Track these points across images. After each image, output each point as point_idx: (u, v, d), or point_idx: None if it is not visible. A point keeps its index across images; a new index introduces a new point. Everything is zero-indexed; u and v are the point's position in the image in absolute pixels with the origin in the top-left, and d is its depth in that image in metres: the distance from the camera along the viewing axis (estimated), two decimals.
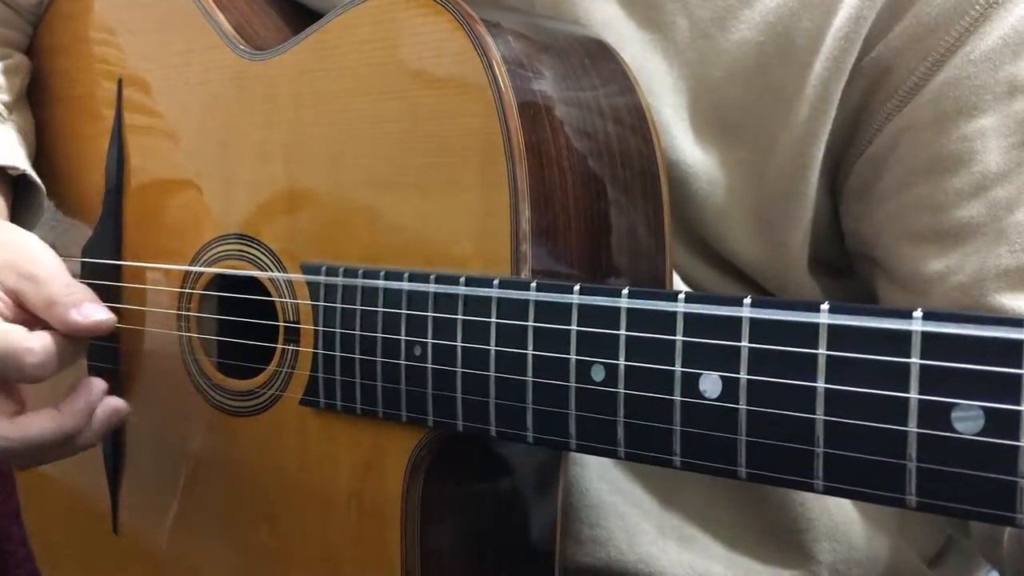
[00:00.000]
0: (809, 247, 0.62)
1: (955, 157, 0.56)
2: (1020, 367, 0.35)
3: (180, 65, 0.70)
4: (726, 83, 0.60)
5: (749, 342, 0.41)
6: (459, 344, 0.51)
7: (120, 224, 0.74)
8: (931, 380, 0.37)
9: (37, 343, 0.58)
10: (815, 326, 0.39)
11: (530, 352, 0.49)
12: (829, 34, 0.57)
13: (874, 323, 0.38)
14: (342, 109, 0.59)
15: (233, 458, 0.66)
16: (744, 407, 0.41)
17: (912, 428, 0.37)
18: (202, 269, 0.67)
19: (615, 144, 0.56)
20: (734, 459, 0.42)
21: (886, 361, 0.37)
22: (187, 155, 0.69)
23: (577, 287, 0.47)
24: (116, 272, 0.74)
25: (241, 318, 0.66)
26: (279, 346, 0.62)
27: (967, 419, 0.36)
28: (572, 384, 0.47)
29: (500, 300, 0.50)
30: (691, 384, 0.43)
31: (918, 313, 0.37)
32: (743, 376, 0.41)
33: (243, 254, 0.65)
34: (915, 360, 0.37)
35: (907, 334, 0.37)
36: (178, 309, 0.69)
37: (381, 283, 0.55)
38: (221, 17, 0.67)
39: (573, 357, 0.47)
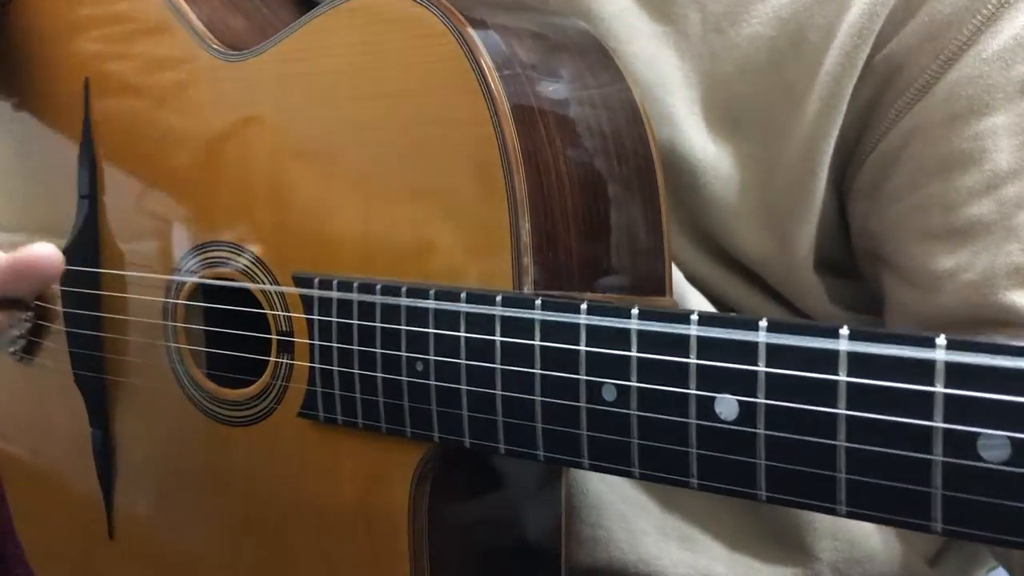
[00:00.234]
0: (815, 245, 0.61)
1: (966, 155, 0.55)
2: None
3: (150, 65, 0.67)
4: (737, 78, 0.60)
5: (766, 367, 0.41)
6: (463, 362, 0.50)
7: (96, 231, 0.72)
8: (956, 409, 0.36)
9: None
10: (835, 353, 0.39)
11: (537, 372, 0.48)
12: (841, 30, 0.57)
13: (896, 351, 0.37)
14: (328, 115, 0.57)
15: (230, 466, 0.65)
16: (763, 431, 0.41)
17: (937, 457, 0.37)
18: (187, 279, 0.66)
19: (611, 143, 0.55)
20: (753, 482, 0.42)
21: (910, 390, 0.37)
22: (162, 159, 0.67)
23: (584, 305, 0.46)
24: (96, 280, 0.72)
25: (230, 327, 0.65)
26: (272, 359, 0.61)
27: (993, 448, 0.36)
28: (583, 404, 0.46)
29: (504, 318, 0.49)
30: (706, 407, 0.43)
31: (941, 341, 0.37)
32: (761, 400, 0.41)
33: (228, 262, 0.63)
34: (939, 389, 0.37)
35: (931, 363, 0.37)
36: (164, 318, 0.68)
37: (378, 298, 0.54)
38: (191, 14, 0.65)
39: (583, 378, 0.46)
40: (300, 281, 0.58)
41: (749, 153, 0.60)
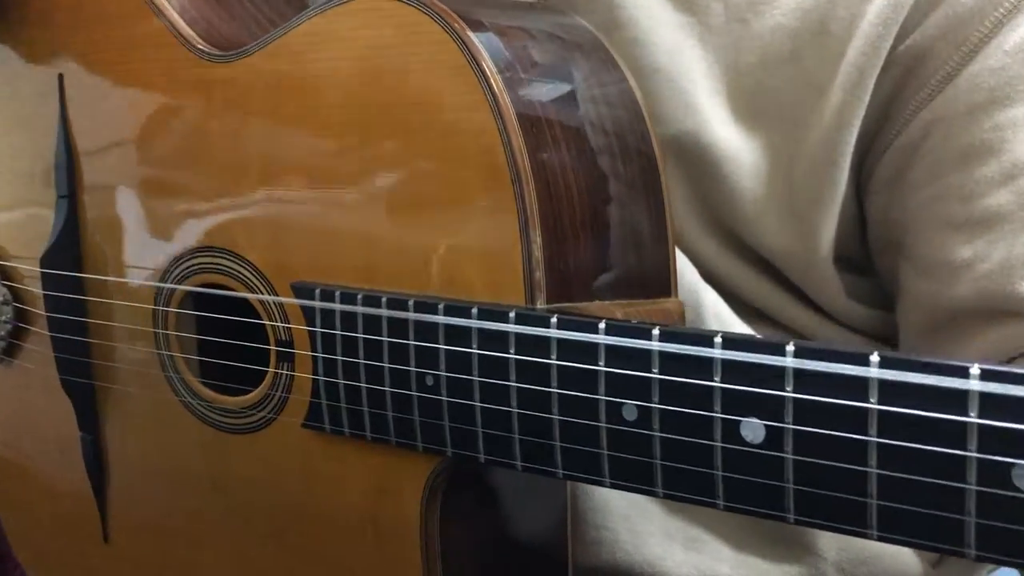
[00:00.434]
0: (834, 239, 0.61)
1: (986, 146, 0.56)
2: None
3: (130, 63, 0.65)
4: (760, 68, 0.59)
5: (795, 392, 0.40)
6: (476, 379, 0.50)
7: (78, 232, 0.70)
8: (990, 439, 0.36)
9: None
10: (865, 380, 0.39)
11: (554, 390, 0.47)
12: (864, 21, 0.57)
13: (929, 380, 0.37)
14: (322, 121, 0.55)
15: (228, 473, 0.65)
16: (791, 456, 0.41)
17: (971, 486, 0.37)
18: (178, 287, 0.64)
19: (616, 146, 0.54)
20: (782, 505, 0.42)
21: (943, 419, 0.37)
22: (146, 161, 0.65)
23: (603, 324, 0.46)
24: (80, 284, 0.70)
25: (224, 334, 0.63)
26: (271, 370, 0.59)
27: None
28: (603, 424, 0.46)
29: (518, 335, 0.48)
30: (732, 430, 0.42)
31: (975, 371, 0.36)
32: (789, 425, 0.41)
33: (222, 269, 0.62)
34: (974, 419, 0.37)
35: (964, 393, 0.37)
36: (154, 324, 0.66)
37: (384, 312, 0.53)
38: (174, 13, 0.62)
39: (602, 398, 0.46)
40: (300, 291, 0.57)
41: (772, 144, 0.60)
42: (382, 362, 0.53)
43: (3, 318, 0.76)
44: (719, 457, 0.43)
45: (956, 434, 0.37)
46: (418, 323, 0.51)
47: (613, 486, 0.47)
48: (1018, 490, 0.36)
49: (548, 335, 0.47)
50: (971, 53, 0.56)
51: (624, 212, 0.54)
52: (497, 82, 0.49)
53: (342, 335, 0.55)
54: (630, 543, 0.63)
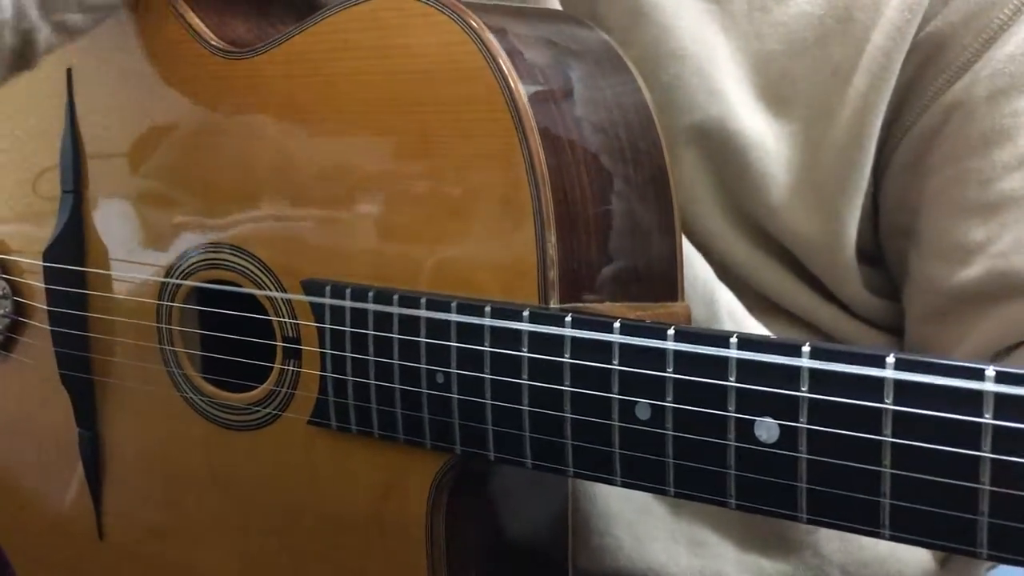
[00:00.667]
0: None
1: (1004, 132, 0.57)
2: None
3: (142, 61, 0.65)
4: (784, 55, 0.60)
5: (809, 392, 0.41)
6: (487, 376, 0.50)
7: (82, 227, 0.69)
8: (1005, 440, 0.37)
9: None
10: (880, 380, 0.39)
11: (567, 388, 0.48)
12: (889, 7, 0.58)
13: (944, 381, 0.38)
14: (340, 118, 0.56)
15: (229, 469, 0.64)
16: (804, 456, 0.41)
17: (985, 486, 0.37)
18: (184, 282, 0.64)
19: (627, 151, 0.55)
20: (794, 504, 0.42)
21: (958, 420, 0.38)
22: (156, 156, 0.65)
23: (617, 324, 0.46)
24: (82, 279, 0.70)
25: (228, 329, 0.63)
26: (277, 366, 0.60)
27: None
28: (615, 423, 0.46)
29: (531, 334, 0.48)
30: (746, 429, 0.43)
31: (991, 373, 0.37)
32: (803, 425, 0.41)
33: (229, 265, 0.62)
34: (988, 420, 0.37)
35: (979, 393, 0.37)
36: (157, 319, 0.66)
37: (395, 309, 0.53)
38: (187, 8, 0.62)
39: (615, 396, 0.46)
40: (310, 288, 0.57)
41: (797, 130, 0.61)
42: (392, 359, 0.53)
43: (1, 312, 0.76)
44: (732, 456, 0.43)
45: (971, 434, 0.37)
46: (430, 320, 0.52)
47: (624, 485, 0.47)
48: None
49: (563, 334, 0.47)
50: (991, 39, 0.57)
51: (634, 216, 0.55)
52: (516, 83, 0.50)
53: (352, 332, 0.55)
54: (634, 549, 0.63)
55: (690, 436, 0.44)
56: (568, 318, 0.47)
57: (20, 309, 0.75)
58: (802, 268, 0.64)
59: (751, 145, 0.61)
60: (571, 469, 0.48)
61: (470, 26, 0.50)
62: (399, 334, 0.53)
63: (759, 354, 0.42)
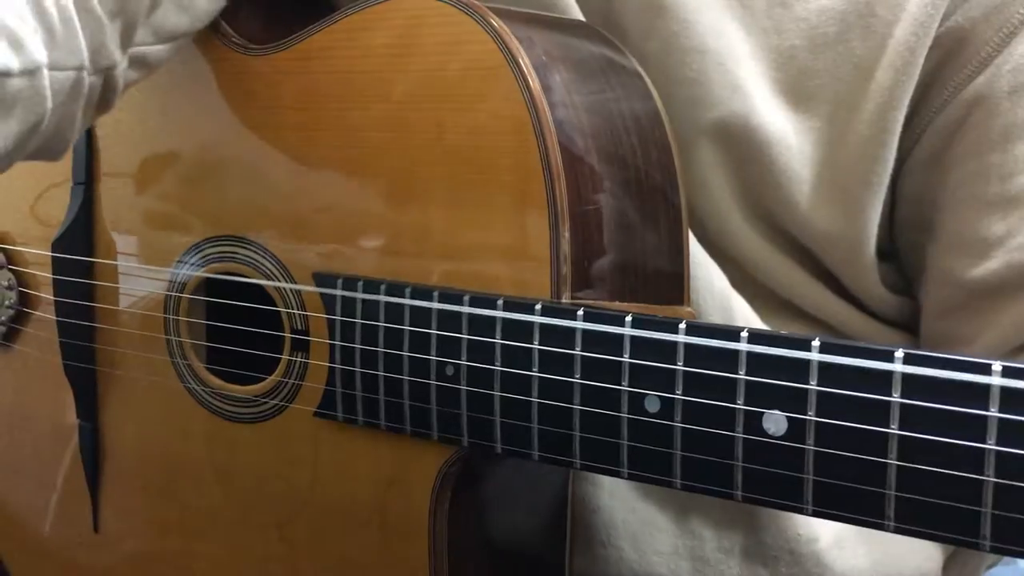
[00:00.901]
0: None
1: None
2: None
3: None
4: (806, 51, 0.61)
5: (818, 385, 0.42)
6: (497, 368, 0.51)
7: (92, 219, 0.70)
8: (1009, 433, 0.38)
9: None
10: (889, 374, 0.40)
11: (577, 381, 0.48)
12: (911, 1, 0.58)
13: (952, 375, 0.39)
14: (356, 115, 0.57)
15: (232, 462, 0.65)
16: (812, 448, 0.42)
17: (989, 478, 0.38)
18: (195, 273, 0.65)
19: (639, 155, 0.56)
20: (800, 496, 0.43)
21: (964, 412, 0.39)
22: (170, 149, 0.66)
23: (629, 318, 0.47)
24: (89, 270, 0.70)
25: (236, 321, 0.64)
26: (285, 357, 0.60)
27: None
28: (624, 415, 0.47)
29: (543, 326, 0.49)
30: (754, 422, 0.44)
31: (997, 367, 0.38)
32: (811, 417, 0.42)
33: (239, 257, 0.62)
34: (994, 413, 0.38)
35: (986, 387, 0.38)
36: (165, 311, 0.66)
37: (408, 301, 0.54)
38: None
39: (625, 388, 0.47)
40: (322, 280, 0.57)
41: (819, 127, 0.61)
42: (402, 351, 0.54)
43: (6, 303, 0.76)
44: (740, 449, 0.44)
45: (976, 428, 0.38)
46: (441, 313, 0.52)
47: (631, 477, 0.48)
48: None
49: (575, 326, 0.48)
50: (1012, 34, 0.58)
51: (644, 217, 0.56)
52: (534, 81, 0.51)
53: (362, 323, 0.55)
54: (636, 561, 0.63)
55: (698, 428, 0.45)
56: (580, 311, 0.48)
57: (25, 300, 0.75)
58: (819, 265, 0.65)
59: (773, 141, 0.61)
60: (578, 461, 0.49)
61: (491, 25, 0.52)
62: (410, 326, 0.54)
63: (769, 348, 0.43)
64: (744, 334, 0.44)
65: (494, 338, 0.51)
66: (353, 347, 0.56)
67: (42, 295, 0.74)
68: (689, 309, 0.58)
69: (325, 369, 0.58)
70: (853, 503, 0.42)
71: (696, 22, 0.61)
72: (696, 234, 0.62)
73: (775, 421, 0.43)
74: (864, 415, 0.41)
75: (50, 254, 0.71)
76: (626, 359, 0.47)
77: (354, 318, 0.56)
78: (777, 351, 0.43)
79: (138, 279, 0.68)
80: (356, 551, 0.59)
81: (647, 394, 0.46)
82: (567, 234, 0.50)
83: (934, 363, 0.40)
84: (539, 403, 0.50)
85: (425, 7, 0.54)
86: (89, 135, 0.70)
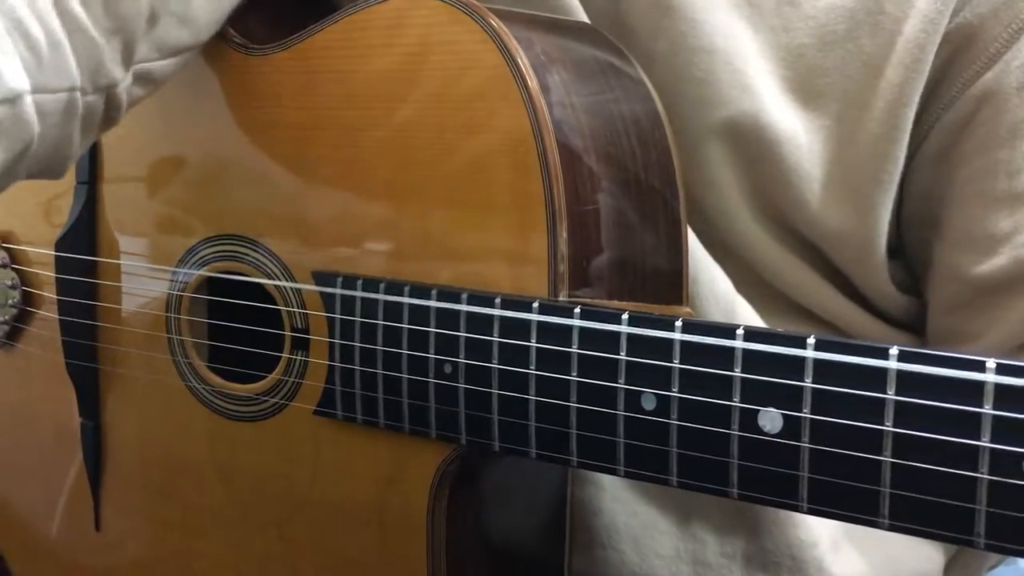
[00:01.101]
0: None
1: None
2: None
3: None
4: (814, 49, 0.61)
5: (813, 382, 0.42)
6: (495, 366, 0.51)
7: (95, 218, 0.70)
8: (1002, 429, 0.38)
9: None
10: (884, 371, 0.40)
11: (574, 378, 0.49)
12: None
13: (946, 372, 0.39)
14: (356, 114, 0.57)
15: (232, 461, 0.65)
16: (807, 445, 0.42)
17: (983, 475, 0.38)
18: (196, 272, 0.65)
19: (638, 155, 0.56)
20: (795, 493, 0.43)
21: (958, 410, 0.39)
22: (173, 149, 0.66)
23: (626, 315, 0.47)
24: (92, 269, 0.71)
25: (236, 321, 0.64)
26: (286, 355, 0.60)
27: None
28: (620, 412, 0.47)
29: (541, 324, 0.49)
30: (750, 419, 0.44)
31: (991, 364, 0.38)
32: (806, 415, 0.42)
33: (240, 256, 0.63)
34: (988, 410, 0.38)
35: (980, 384, 0.38)
36: (167, 310, 0.67)
37: (407, 300, 0.54)
38: None
39: (621, 386, 0.47)
40: (321, 279, 0.58)
41: (829, 125, 0.61)
42: (401, 349, 0.54)
43: (10, 302, 0.76)
44: (735, 446, 0.44)
45: (971, 425, 0.38)
46: (440, 311, 0.52)
47: (627, 475, 0.48)
48: None
49: (571, 324, 0.48)
50: (1020, 31, 0.58)
51: (643, 219, 0.56)
52: (532, 80, 0.51)
53: (361, 322, 0.56)
54: (638, 565, 0.63)
55: (694, 426, 0.45)
56: (577, 309, 0.48)
57: (29, 299, 0.76)
58: (828, 264, 0.65)
59: (783, 140, 0.61)
60: (575, 459, 0.49)
61: (490, 25, 0.52)
62: (409, 324, 0.54)
63: (765, 345, 0.43)
64: (740, 331, 0.44)
65: (492, 336, 0.51)
66: (352, 345, 0.56)
67: (45, 294, 0.74)
68: (687, 309, 0.58)
69: (324, 367, 0.58)
70: (848, 500, 0.42)
71: (704, 21, 0.61)
72: (704, 233, 0.62)
73: (771, 418, 0.43)
74: (859, 412, 0.41)
75: (53, 253, 0.72)
76: (623, 357, 0.47)
77: (353, 316, 0.56)
78: (773, 348, 0.43)
79: (140, 278, 0.68)
80: (355, 550, 0.59)
81: (643, 392, 0.47)
82: (565, 234, 0.51)
83: (929, 360, 0.40)
84: (536, 401, 0.50)
85: (424, 7, 0.54)
86: None
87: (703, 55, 0.61)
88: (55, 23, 0.49)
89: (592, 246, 0.53)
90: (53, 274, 0.72)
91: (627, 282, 0.55)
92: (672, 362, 0.46)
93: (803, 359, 0.42)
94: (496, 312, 0.51)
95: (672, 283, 0.58)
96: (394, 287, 0.54)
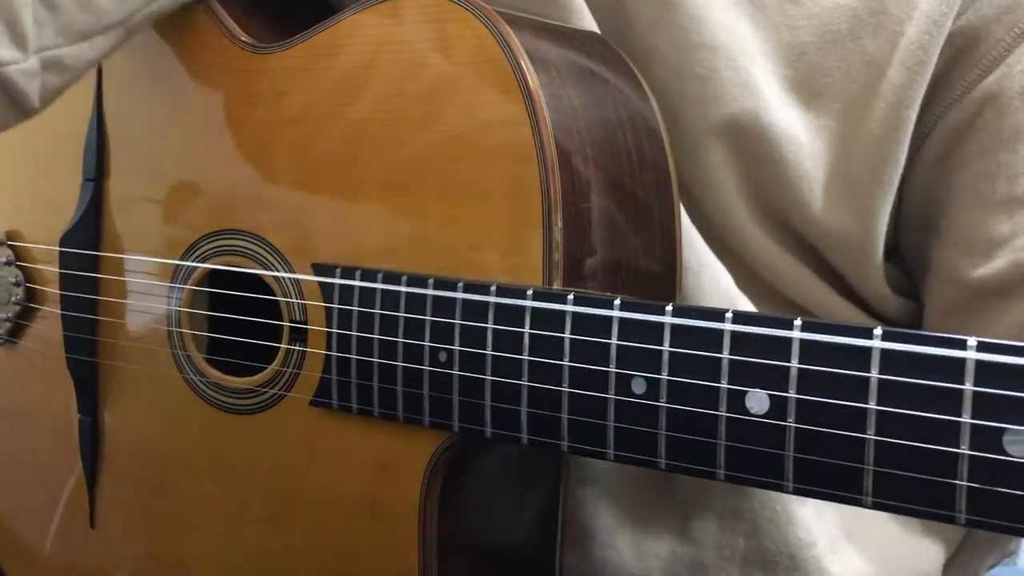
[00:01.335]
0: None
1: None
2: None
3: (171, 53, 0.68)
4: (816, 48, 0.61)
5: (799, 363, 0.43)
6: (489, 352, 0.52)
7: (100, 214, 0.72)
8: (983, 405, 0.39)
9: None
10: (868, 350, 0.41)
11: (566, 363, 0.49)
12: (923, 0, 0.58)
13: (928, 350, 0.40)
14: (357, 109, 0.58)
15: (229, 454, 0.65)
16: (793, 424, 0.43)
17: (964, 450, 0.39)
18: (199, 265, 0.66)
19: (634, 153, 0.57)
20: (781, 474, 0.44)
21: (939, 387, 0.40)
22: (178, 146, 0.68)
23: (618, 301, 0.48)
24: (96, 263, 0.72)
25: (236, 314, 0.65)
26: (284, 346, 0.61)
27: (1018, 443, 0.38)
28: (611, 396, 0.48)
29: (535, 311, 0.50)
30: (737, 401, 0.44)
31: (972, 342, 0.39)
32: (792, 395, 0.43)
33: (241, 250, 0.64)
34: (968, 387, 0.39)
35: (961, 361, 0.39)
36: (168, 303, 0.68)
37: (404, 288, 0.55)
38: (219, 7, 0.65)
39: (612, 370, 0.48)
40: (321, 270, 0.59)
41: (830, 124, 0.62)
42: (397, 337, 0.55)
43: (13, 299, 0.77)
44: (723, 428, 0.45)
45: (952, 401, 0.39)
46: (436, 299, 0.53)
47: (617, 459, 0.49)
48: (1008, 455, 0.38)
49: (564, 309, 0.49)
50: (1022, 35, 0.58)
51: (636, 215, 0.57)
52: (533, 77, 0.52)
53: (359, 311, 0.57)
54: (636, 565, 0.64)
55: (683, 408, 0.46)
56: (570, 295, 0.49)
57: (32, 296, 0.77)
58: (825, 265, 0.65)
59: (783, 139, 0.61)
60: (566, 443, 0.50)
61: (490, 21, 0.53)
62: (405, 313, 0.55)
63: (752, 327, 0.44)
64: (728, 315, 0.45)
65: (486, 323, 0.52)
66: (349, 334, 0.57)
67: (48, 290, 0.75)
68: None
69: (321, 357, 0.59)
70: (832, 479, 0.42)
71: (706, 18, 0.62)
72: (702, 231, 0.63)
73: (758, 400, 0.44)
74: (843, 392, 0.42)
75: (58, 249, 0.73)
76: (614, 341, 0.48)
77: (351, 306, 0.57)
78: (760, 330, 0.44)
79: (143, 273, 0.69)
80: (348, 539, 0.60)
81: (634, 375, 0.47)
82: (560, 223, 0.52)
83: (911, 339, 0.40)
84: (529, 386, 0.51)
85: (427, 5, 0.56)
86: (101, 132, 0.71)
87: (704, 52, 0.62)
88: None
89: (586, 244, 0.54)
90: (57, 269, 0.73)
91: (620, 277, 0.56)
92: (662, 346, 0.46)
93: (790, 340, 0.43)
94: (491, 299, 0.52)
95: (666, 284, 0.59)
96: (391, 277, 0.55)
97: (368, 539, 0.59)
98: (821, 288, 0.65)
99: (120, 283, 0.71)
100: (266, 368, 0.62)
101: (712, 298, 0.61)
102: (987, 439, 0.39)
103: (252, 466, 0.64)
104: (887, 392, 0.41)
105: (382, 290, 0.56)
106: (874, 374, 0.41)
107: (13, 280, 0.77)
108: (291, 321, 0.61)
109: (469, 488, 0.58)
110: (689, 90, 0.62)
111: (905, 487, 0.41)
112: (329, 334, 0.58)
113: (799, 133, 0.62)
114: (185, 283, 0.67)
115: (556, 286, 0.52)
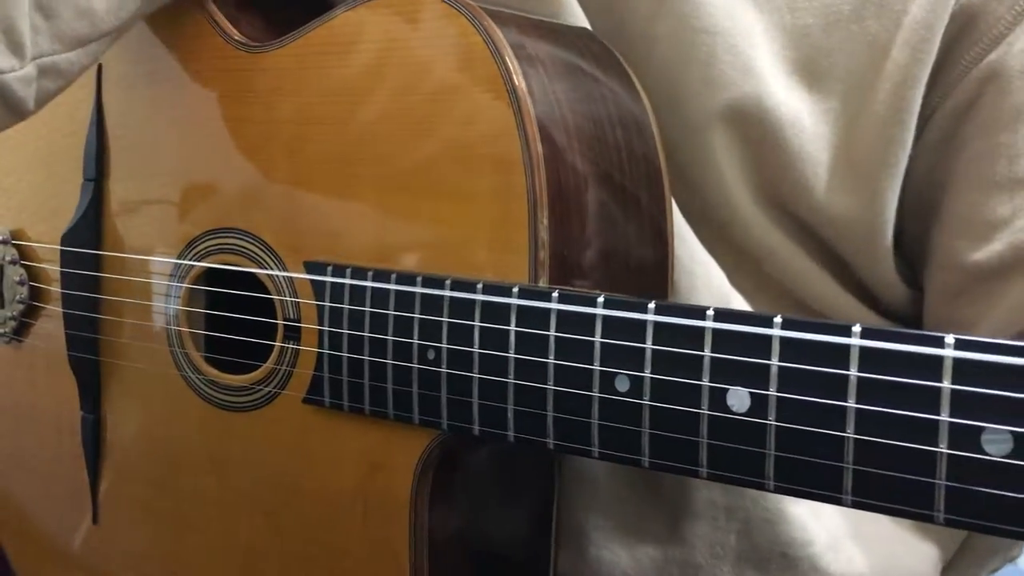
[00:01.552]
0: None
1: None
2: None
3: (168, 53, 0.68)
4: (819, 30, 0.60)
5: (780, 360, 0.42)
6: (476, 350, 0.52)
7: (100, 213, 0.72)
8: (962, 404, 0.38)
9: None
10: (847, 347, 0.41)
11: (551, 361, 0.49)
12: None
13: (907, 348, 0.40)
14: (349, 108, 0.58)
15: (226, 451, 0.66)
16: (773, 423, 0.43)
17: (943, 449, 0.39)
18: (195, 264, 0.67)
19: (623, 150, 0.57)
20: (762, 472, 0.43)
21: (918, 385, 0.39)
22: (175, 146, 0.68)
23: (601, 299, 0.48)
24: (97, 262, 0.72)
25: (233, 313, 0.66)
26: (278, 344, 0.62)
27: (996, 442, 0.38)
28: (595, 394, 0.48)
29: (520, 308, 0.50)
30: (719, 398, 0.44)
31: (950, 340, 0.39)
32: (772, 393, 0.43)
33: (237, 249, 0.64)
34: (947, 385, 0.39)
35: (940, 359, 0.39)
36: (166, 301, 0.68)
37: (393, 286, 0.55)
38: (213, 6, 0.66)
39: (597, 368, 0.48)
40: (313, 268, 0.59)
41: (834, 107, 0.61)
42: (386, 335, 0.55)
43: (18, 298, 0.78)
44: (705, 425, 0.45)
45: (930, 399, 0.39)
46: (424, 297, 0.54)
47: (601, 456, 0.48)
48: (987, 453, 0.38)
49: (549, 307, 0.49)
50: (1022, 13, 0.57)
51: (626, 212, 0.57)
52: (519, 77, 0.52)
53: (349, 309, 0.57)
54: (629, 565, 0.63)
55: (666, 406, 0.46)
56: (555, 293, 0.49)
57: (35, 294, 0.78)
58: (828, 253, 0.64)
59: (787, 123, 0.60)
60: (551, 441, 0.50)
61: (479, 21, 0.53)
62: (394, 310, 0.55)
63: (733, 325, 0.44)
64: (710, 312, 0.45)
65: (473, 321, 0.52)
66: (340, 332, 0.57)
67: (51, 288, 0.76)
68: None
69: (314, 355, 0.59)
70: (812, 478, 0.42)
71: (706, 3, 0.61)
72: (703, 219, 0.62)
73: (739, 397, 0.44)
74: (823, 389, 0.41)
75: (59, 247, 0.73)
76: (597, 339, 0.48)
77: (342, 304, 0.57)
78: (741, 328, 0.44)
79: (142, 271, 0.70)
80: (340, 537, 0.60)
81: (618, 373, 0.47)
82: (545, 221, 0.52)
83: (890, 337, 0.40)
84: (515, 384, 0.51)
85: (417, 3, 0.56)
86: (101, 133, 0.72)
87: (705, 37, 0.61)
88: None
89: (575, 241, 0.54)
90: (59, 268, 0.74)
91: (609, 275, 0.56)
92: (645, 343, 0.46)
93: (770, 338, 0.43)
94: (478, 297, 0.52)
95: (656, 279, 0.59)
96: (381, 275, 0.56)
97: (361, 536, 0.59)
98: (823, 278, 0.64)
99: (120, 282, 0.71)
100: (264, 364, 0.63)
101: (704, 296, 0.60)
102: (965, 438, 0.38)
103: (248, 463, 0.65)
104: (866, 390, 0.40)
105: (372, 288, 0.56)
106: (853, 372, 0.41)
107: (18, 279, 0.78)
108: (285, 319, 0.61)
109: (460, 487, 0.58)
110: (690, 76, 0.61)
111: (884, 486, 0.40)
112: (321, 332, 0.59)
113: (803, 116, 0.61)
114: (183, 281, 0.67)
115: (542, 284, 0.52)
